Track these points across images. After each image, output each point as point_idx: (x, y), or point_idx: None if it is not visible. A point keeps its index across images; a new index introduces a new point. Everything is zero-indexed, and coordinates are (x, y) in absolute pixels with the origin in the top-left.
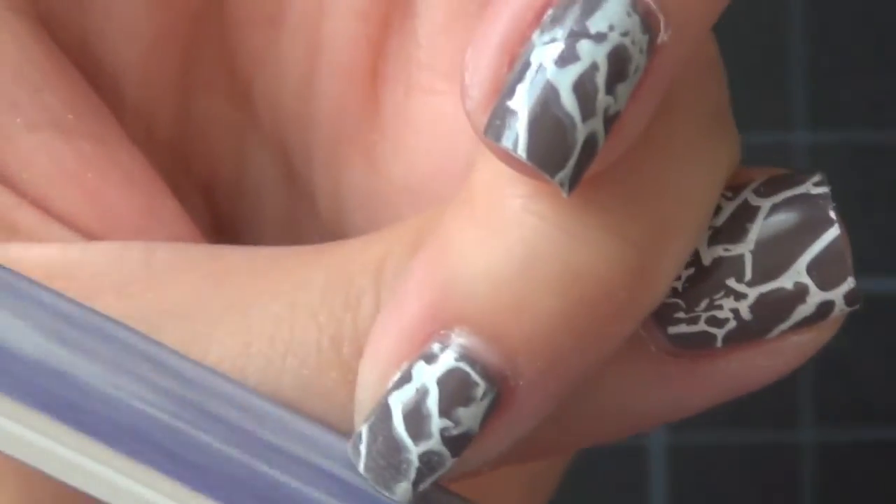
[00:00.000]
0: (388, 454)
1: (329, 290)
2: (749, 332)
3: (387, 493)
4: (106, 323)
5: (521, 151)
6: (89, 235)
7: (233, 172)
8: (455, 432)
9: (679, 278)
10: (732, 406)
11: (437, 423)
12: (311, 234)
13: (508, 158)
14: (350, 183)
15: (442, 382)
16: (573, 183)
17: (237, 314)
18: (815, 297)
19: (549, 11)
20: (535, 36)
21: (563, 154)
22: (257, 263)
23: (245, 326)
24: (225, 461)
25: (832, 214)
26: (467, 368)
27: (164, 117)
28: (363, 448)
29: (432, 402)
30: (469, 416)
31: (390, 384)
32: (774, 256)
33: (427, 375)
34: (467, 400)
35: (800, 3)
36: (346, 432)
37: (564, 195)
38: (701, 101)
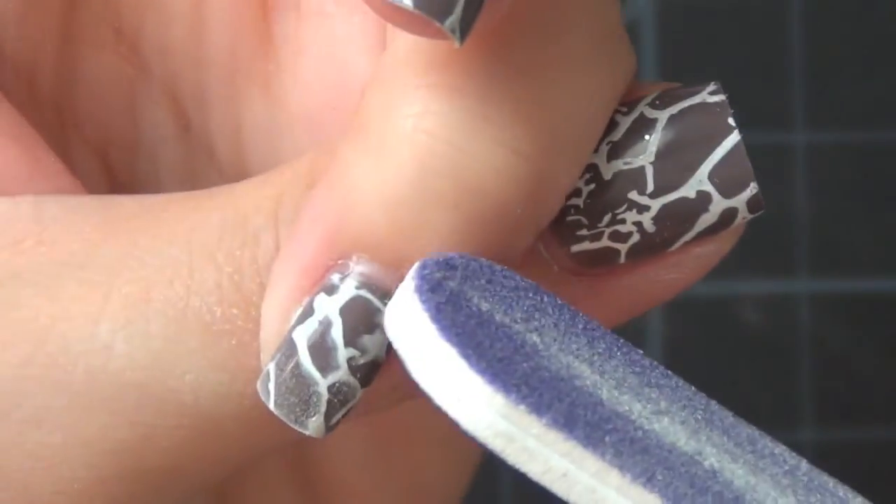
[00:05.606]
0: (297, 389)
1: (226, 230)
2: (652, 245)
3: (299, 428)
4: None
5: (407, 1)
6: None
7: (127, 132)
8: (362, 361)
9: (580, 195)
10: (732, 406)
11: (343, 353)
12: (211, 185)
13: (395, 13)
14: (249, 118)
15: (344, 312)
16: (464, 30)
17: (134, 261)
18: (719, 204)
19: None
20: None
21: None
22: (150, 209)
23: (144, 273)
24: None
25: (731, 121)
26: (369, 296)
27: (45, 73)
28: (271, 386)
29: (337, 333)
30: (374, 343)
31: (293, 320)
32: (675, 166)
33: (329, 307)
34: (371, 327)
35: (799, 3)
36: (253, 370)
37: (457, 44)
38: (593, 20)
